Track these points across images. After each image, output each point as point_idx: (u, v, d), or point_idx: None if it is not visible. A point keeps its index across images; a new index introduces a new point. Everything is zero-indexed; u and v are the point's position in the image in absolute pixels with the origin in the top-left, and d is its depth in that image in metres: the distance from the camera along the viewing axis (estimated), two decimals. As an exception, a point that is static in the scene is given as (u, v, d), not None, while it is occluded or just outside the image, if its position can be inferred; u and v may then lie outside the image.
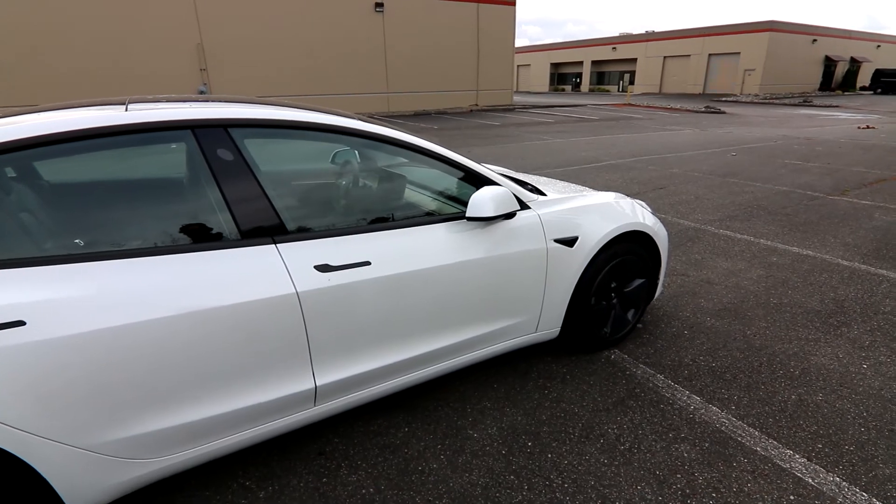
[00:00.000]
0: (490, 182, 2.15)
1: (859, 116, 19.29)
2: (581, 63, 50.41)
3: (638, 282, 2.72)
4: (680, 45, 41.03)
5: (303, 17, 18.08)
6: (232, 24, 16.94)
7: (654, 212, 3.32)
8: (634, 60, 45.24)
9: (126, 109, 1.58)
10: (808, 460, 1.94)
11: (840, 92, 40.12)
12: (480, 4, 21.82)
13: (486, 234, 2.09)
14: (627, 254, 2.58)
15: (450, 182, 2.22)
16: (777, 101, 28.64)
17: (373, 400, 2.00)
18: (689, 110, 22.53)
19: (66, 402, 1.35)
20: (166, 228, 1.60)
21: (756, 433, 2.09)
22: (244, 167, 1.67)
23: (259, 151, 1.78)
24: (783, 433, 2.09)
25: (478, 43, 22.31)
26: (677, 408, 2.26)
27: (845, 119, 18.18)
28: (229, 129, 1.67)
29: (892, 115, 19.48)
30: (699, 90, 40.06)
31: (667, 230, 2.97)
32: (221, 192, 1.61)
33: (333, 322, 1.75)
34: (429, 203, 2.24)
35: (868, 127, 14.96)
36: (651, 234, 2.68)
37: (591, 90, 48.96)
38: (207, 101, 1.88)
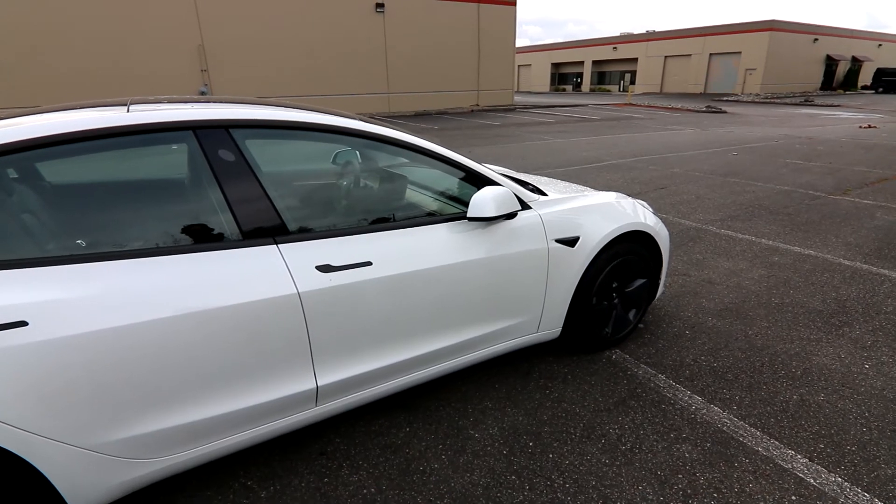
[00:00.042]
0: (491, 182, 2.15)
1: (861, 116, 19.27)
2: (582, 63, 50.39)
3: (639, 282, 2.72)
4: (681, 44, 41.00)
5: (304, 18, 18.09)
6: (233, 25, 16.96)
7: (656, 212, 3.32)
8: (635, 60, 45.22)
9: (128, 110, 1.58)
10: (809, 461, 1.94)
11: (841, 91, 40.05)
12: (481, 4, 21.83)
13: (487, 234, 2.09)
14: (629, 254, 2.58)
15: (451, 182, 2.22)
16: (778, 101, 28.61)
17: (374, 400, 2.00)
18: (690, 110, 22.51)
19: (68, 402, 1.35)
20: (168, 229, 1.61)
21: (758, 433, 2.09)
22: (245, 168, 1.67)
23: (260, 152, 1.78)
24: (785, 433, 2.09)
25: (478, 43, 22.31)
26: (679, 408, 2.26)
27: (847, 118, 18.15)
28: (230, 130, 1.67)
29: (894, 115, 19.45)
30: (700, 90, 40.03)
31: (668, 230, 2.97)
32: (223, 192, 1.62)
33: (335, 322, 1.75)
34: (430, 203, 2.24)
35: (869, 126, 14.94)
36: (652, 233, 2.68)
37: (591, 90, 48.93)
38: (209, 101, 1.88)
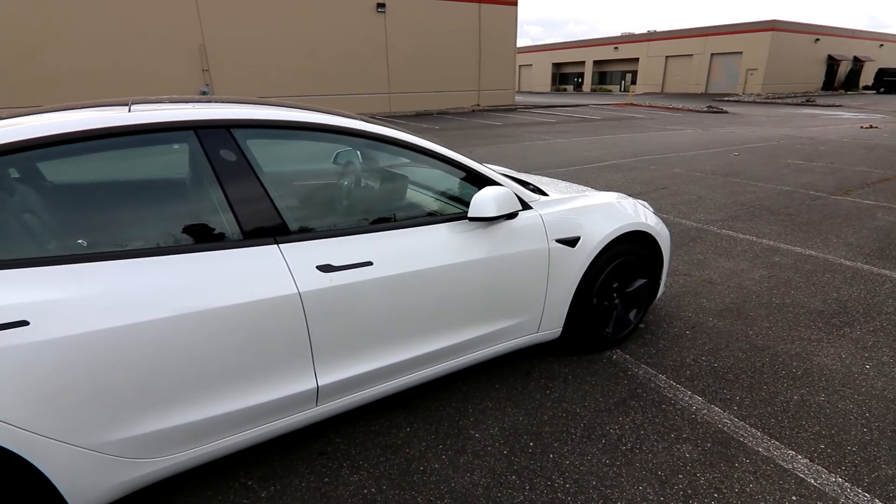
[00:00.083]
0: (492, 182, 2.15)
1: (862, 116, 19.24)
2: (583, 63, 50.36)
3: (640, 282, 2.72)
4: (682, 44, 40.97)
5: (304, 18, 18.10)
6: (234, 25, 16.97)
7: (656, 212, 3.32)
8: (636, 60, 45.19)
9: (129, 110, 1.58)
10: (810, 461, 1.94)
11: (843, 91, 40.01)
12: (482, 4, 21.82)
13: (487, 234, 2.09)
14: (629, 254, 2.58)
15: (452, 182, 2.22)
16: (779, 101, 28.58)
17: (374, 400, 2.00)
18: (691, 110, 22.50)
19: (69, 401, 1.35)
20: (169, 229, 1.61)
21: (758, 434, 2.09)
22: (246, 167, 1.67)
23: (261, 152, 1.78)
24: (785, 434, 2.09)
25: (479, 43, 22.31)
26: (679, 408, 2.26)
27: (848, 118, 18.13)
28: (232, 130, 1.67)
29: (895, 115, 19.42)
30: (701, 90, 40.00)
31: (669, 230, 2.97)
32: (224, 192, 1.62)
33: (335, 322, 1.75)
34: (431, 203, 2.24)
35: (871, 126, 14.92)
36: (653, 234, 2.68)
37: (592, 90, 48.91)
38: (210, 101, 1.88)
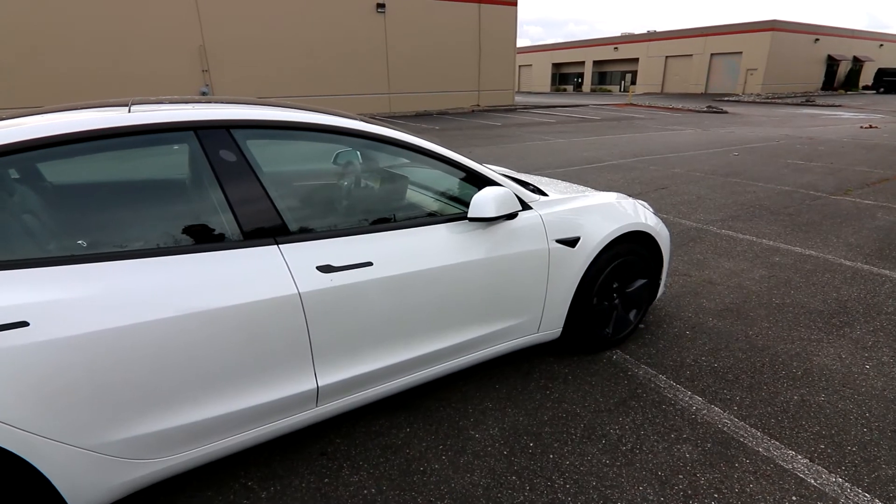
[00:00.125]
0: (492, 182, 2.16)
1: (862, 116, 19.25)
2: (583, 63, 50.37)
3: (640, 282, 2.72)
4: (682, 44, 40.98)
5: (304, 18, 18.10)
6: (233, 25, 16.96)
7: (656, 212, 3.32)
8: (636, 60, 45.20)
9: (129, 111, 1.58)
10: (810, 461, 1.94)
11: (842, 91, 40.02)
12: (482, 5, 21.82)
13: (487, 234, 2.09)
14: (629, 254, 2.58)
15: (451, 183, 2.22)
16: (779, 101, 28.59)
17: (375, 400, 2.00)
18: (691, 110, 22.50)
19: (68, 402, 1.35)
20: (169, 229, 1.61)
21: (758, 434, 2.09)
22: (246, 168, 1.67)
23: (261, 152, 1.78)
24: (785, 434, 2.09)
25: (479, 43, 22.31)
26: (679, 408, 2.26)
27: (848, 119, 18.14)
28: (232, 130, 1.67)
29: (895, 115, 19.42)
30: (701, 90, 40.00)
31: (669, 230, 2.97)
32: (224, 192, 1.62)
33: (335, 322, 1.75)
34: (430, 204, 2.24)
35: (870, 126, 14.92)
36: (653, 234, 2.68)
37: (592, 90, 48.92)
38: (210, 102, 1.89)
